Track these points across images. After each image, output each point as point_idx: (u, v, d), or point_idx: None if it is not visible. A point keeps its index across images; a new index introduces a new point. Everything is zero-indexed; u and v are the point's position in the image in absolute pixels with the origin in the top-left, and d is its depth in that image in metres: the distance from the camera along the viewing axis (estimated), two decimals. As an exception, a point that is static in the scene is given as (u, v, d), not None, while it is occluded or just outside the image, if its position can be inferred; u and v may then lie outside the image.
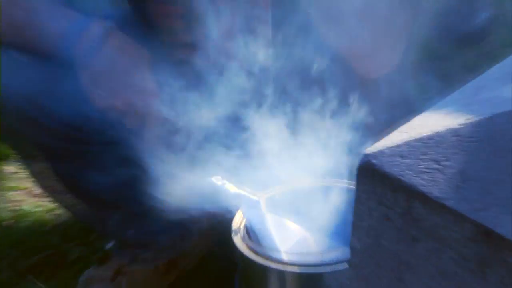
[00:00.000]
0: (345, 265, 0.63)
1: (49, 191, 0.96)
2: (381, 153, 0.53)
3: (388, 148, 0.53)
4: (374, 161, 0.53)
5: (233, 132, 0.81)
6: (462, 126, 0.53)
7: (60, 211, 1.25)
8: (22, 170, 1.32)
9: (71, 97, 0.78)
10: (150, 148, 0.72)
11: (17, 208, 1.28)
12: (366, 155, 0.53)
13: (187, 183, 0.71)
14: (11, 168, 1.45)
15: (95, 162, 0.83)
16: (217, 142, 0.81)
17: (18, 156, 0.96)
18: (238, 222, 0.80)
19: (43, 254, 1.14)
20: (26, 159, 0.93)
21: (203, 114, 0.77)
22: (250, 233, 0.76)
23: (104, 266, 1.02)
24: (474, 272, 0.50)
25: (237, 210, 0.79)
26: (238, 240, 0.75)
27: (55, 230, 1.21)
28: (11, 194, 1.28)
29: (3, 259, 1.13)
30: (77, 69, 0.76)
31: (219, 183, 0.75)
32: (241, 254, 0.72)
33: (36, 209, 1.28)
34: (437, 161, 0.52)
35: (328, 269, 0.69)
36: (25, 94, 0.82)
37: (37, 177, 0.95)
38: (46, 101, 0.82)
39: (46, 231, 1.22)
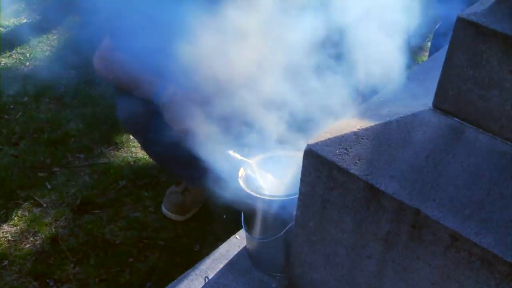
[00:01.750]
0: (296, 197, 1.09)
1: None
2: (316, 143, 0.98)
3: (320, 140, 0.99)
4: (312, 148, 0.98)
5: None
6: (360, 129, 0.99)
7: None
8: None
9: (159, 122, 1.52)
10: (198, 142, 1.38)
11: (134, 155, 2.21)
12: (308, 145, 0.98)
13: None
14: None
15: (172, 147, 1.54)
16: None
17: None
18: (241, 173, 1.29)
19: (149, 179, 2.08)
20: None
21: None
22: (247, 180, 1.27)
23: (178, 185, 1.95)
24: (363, 206, 0.96)
25: (240, 168, 1.29)
26: (241, 182, 1.25)
27: (154, 167, 2.13)
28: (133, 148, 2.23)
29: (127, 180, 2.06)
30: (162, 109, 1.50)
31: (232, 153, 1.31)
32: (242, 190, 1.22)
33: (145, 157, 2.18)
34: (345, 149, 0.97)
35: (286, 198, 1.18)
36: (138, 119, 1.61)
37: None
38: (148, 123, 1.61)
39: (150, 167, 2.15)
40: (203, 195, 1.99)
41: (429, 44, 2.62)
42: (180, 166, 1.79)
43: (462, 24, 0.89)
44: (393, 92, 1.13)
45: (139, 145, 2.23)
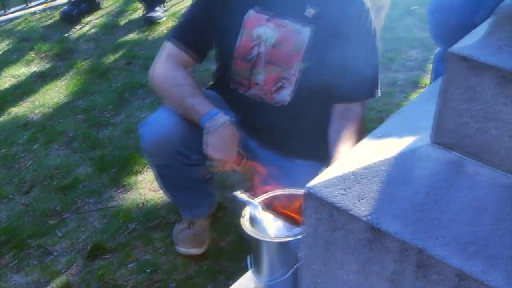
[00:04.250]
0: (299, 238, 1.08)
1: None
2: (315, 185, 0.97)
3: (319, 182, 0.97)
4: (311, 190, 0.96)
5: None
6: (358, 168, 0.97)
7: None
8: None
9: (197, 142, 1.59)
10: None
11: (143, 197, 2.23)
12: (307, 187, 0.97)
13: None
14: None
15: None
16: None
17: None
18: (246, 213, 1.29)
19: (158, 220, 2.09)
20: None
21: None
22: (252, 220, 1.27)
23: (181, 223, 1.96)
24: (365, 247, 0.94)
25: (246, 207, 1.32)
26: (245, 223, 1.27)
27: (163, 208, 2.16)
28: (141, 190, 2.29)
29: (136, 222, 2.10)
30: (203, 133, 1.57)
31: (238, 194, 1.33)
32: (247, 233, 1.22)
33: (153, 198, 2.22)
34: (344, 189, 0.96)
35: (291, 239, 1.17)
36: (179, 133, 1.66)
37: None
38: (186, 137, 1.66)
39: (159, 208, 2.15)
40: (207, 225, 1.99)
41: (431, 66, 2.62)
42: (193, 192, 1.86)
43: (454, 58, 0.88)
44: (391, 128, 1.11)
45: (147, 185, 2.24)
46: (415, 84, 2.97)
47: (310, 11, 1.59)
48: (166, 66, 1.67)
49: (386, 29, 3.26)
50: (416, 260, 0.89)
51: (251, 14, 1.62)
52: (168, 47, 1.70)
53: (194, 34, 1.69)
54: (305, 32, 1.60)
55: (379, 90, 1.68)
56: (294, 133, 1.68)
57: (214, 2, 1.67)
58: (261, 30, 1.62)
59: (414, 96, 2.86)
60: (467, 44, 0.89)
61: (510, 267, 0.81)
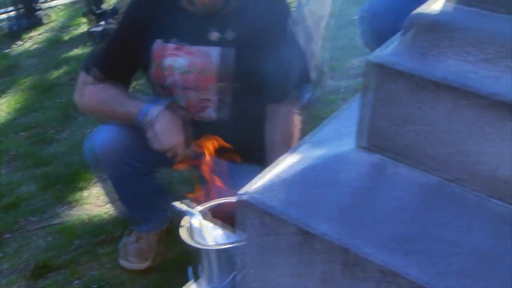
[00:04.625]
0: (236, 245, 1.10)
1: None
2: (246, 192, 1.00)
3: (250, 189, 1.00)
4: (243, 197, 0.99)
5: None
6: (287, 174, 1.01)
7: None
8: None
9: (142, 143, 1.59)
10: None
11: (89, 213, 2.18)
12: (238, 194, 1.00)
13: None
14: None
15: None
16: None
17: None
18: (185, 223, 1.29)
19: (104, 236, 2.06)
20: None
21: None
22: (192, 230, 1.27)
23: (130, 235, 1.94)
24: (296, 248, 0.98)
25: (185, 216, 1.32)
26: (183, 233, 1.26)
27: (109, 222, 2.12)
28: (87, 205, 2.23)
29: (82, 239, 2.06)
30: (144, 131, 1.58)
31: (178, 205, 1.33)
32: (185, 242, 1.23)
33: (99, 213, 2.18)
34: (274, 195, 0.99)
35: (228, 247, 1.19)
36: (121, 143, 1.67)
37: None
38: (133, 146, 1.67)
39: (105, 223, 2.11)
40: (157, 241, 1.97)
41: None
42: (144, 205, 1.85)
43: (371, 66, 0.93)
44: (321, 133, 1.16)
45: (93, 201, 2.22)
46: (358, 92, 3.06)
47: (214, 35, 1.63)
48: (86, 90, 1.69)
49: (327, 38, 3.35)
50: (343, 259, 0.92)
51: (158, 44, 1.65)
52: (85, 78, 1.71)
53: (111, 64, 1.70)
54: (214, 55, 1.63)
55: (310, 77, 1.75)
56: (234, 140, 1.70)
57: (129, 33, 1.70)
58: (171, 60, 1.64)
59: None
60: (383, 52, 0.94)
61: (427, 260, 0.86)
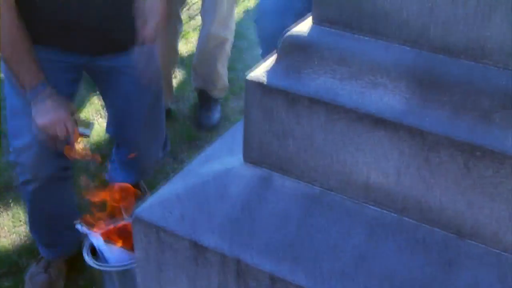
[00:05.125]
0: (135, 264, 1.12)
1: None
2: (141, 209, 1.03)
3: (145, 206, 1.03)
4: (138, 214, 1.02)
5: None
6: (180, 190, 1.05)
7: None
8: None
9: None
10: None
11: None
12: (134, 212, 1.02)
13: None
14: None
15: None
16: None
17: None
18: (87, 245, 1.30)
19: (8, 267, 1.93)
20: None
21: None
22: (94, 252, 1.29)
23: (39, 264, 1.91)
24: (192, 263, 1.01)
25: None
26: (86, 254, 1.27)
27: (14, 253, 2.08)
28: None
29: None
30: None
31: (80, 227, 1.33)
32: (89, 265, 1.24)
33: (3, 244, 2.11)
34: (169, 211, 1.02)
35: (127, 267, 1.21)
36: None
37: None
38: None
39: (9, 254, 1.94)
40: (66, 267, 1.95)
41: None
42: (55, 225, 1.85)
43: (251, 84, 0.99)
44: (214, 150, 1.20)
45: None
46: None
47: None
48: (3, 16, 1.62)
49: (235, 60, 3.43)
50: (236, 269, 0.97)
51: None
52: None
53: None
54: None
55: None
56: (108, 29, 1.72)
57: None
58: None
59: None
60: (260, 70, 1.01)
61: (311, 265, 0.92)
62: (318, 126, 0.95)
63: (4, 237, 2.12)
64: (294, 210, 0.99)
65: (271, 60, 1.01)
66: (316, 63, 0.93)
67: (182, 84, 3.22)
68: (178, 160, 2.62)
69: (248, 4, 4.05)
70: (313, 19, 0.97)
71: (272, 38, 1.17)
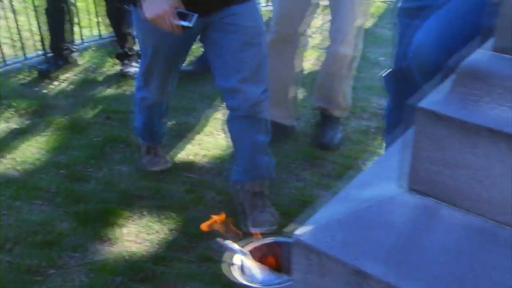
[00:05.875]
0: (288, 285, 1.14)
1: None
2: (303, 233, 1.04)
3: (307, 230, 1.04)
4: (300, 237, 1.03)
5: None
6: (342, 216, 1.05)
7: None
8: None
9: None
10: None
11: (129, 250, 2.17)
12: (296, 235, 1.04)
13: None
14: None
15: None
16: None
17: None
18: (227, 259, 1.35)
19: (145, 273, 1.96)
20: None
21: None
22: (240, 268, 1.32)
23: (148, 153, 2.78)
24: (356, 286, 1.01)
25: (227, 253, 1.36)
26: (235, 272, 1.31)
27: (149, 260, 2.07)
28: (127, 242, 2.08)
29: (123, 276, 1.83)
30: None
31: (228, 243, 1.34)
32: (238, 282, 1.27)
33: (140, 250, 2.11)
34: (332, 236, 1.03)
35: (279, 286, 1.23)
36: None
37: None
38: None
39: (145, 261, 2.02)
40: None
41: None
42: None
43: (423, 112, 0.98)
44: (370, 176, 1.20)
45: (132, 238, 2.27)
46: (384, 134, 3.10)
47: None
48: None
49: (356, 79, 3.42)
50: (400, 300, 0.95)
51: None
52: None
53: None
54: None
55: None
56: None
57: None
58: None
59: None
60: (433, 99, 0.99)
61: (487, 303, 0.89)
62: (496, 157, 0.92)
63: (139, 243, 2.24)
64: (465, 243, 0.96)
65: (444, 89, 0.99)
66: (498, 92, 0.90)
67: (300, 101, 3.25)
68: (301, 179, 2.64)
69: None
70: (494, 47, 0.94)
71: (433, 68, 1.15)
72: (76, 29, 3.90)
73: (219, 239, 1.43)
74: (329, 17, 2.74)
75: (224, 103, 2.28)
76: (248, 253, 1.36)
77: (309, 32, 3.90)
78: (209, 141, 2.98)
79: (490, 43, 0.96)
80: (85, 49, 4.06)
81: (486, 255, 0.93)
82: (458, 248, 0.96)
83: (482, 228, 0.96)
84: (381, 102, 3.40)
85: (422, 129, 0.99)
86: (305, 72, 3.47)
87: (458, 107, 0.95)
